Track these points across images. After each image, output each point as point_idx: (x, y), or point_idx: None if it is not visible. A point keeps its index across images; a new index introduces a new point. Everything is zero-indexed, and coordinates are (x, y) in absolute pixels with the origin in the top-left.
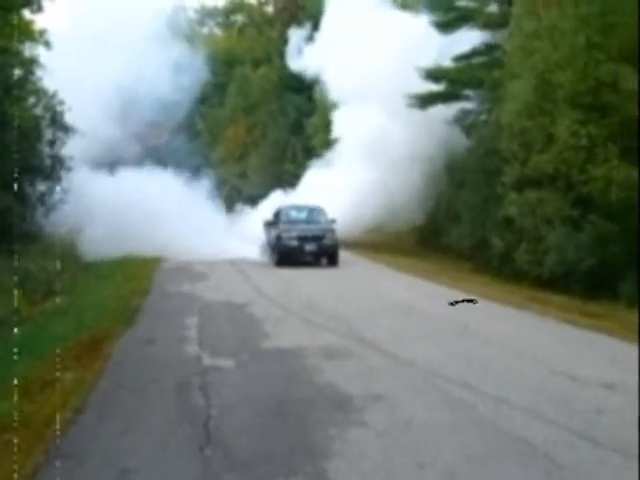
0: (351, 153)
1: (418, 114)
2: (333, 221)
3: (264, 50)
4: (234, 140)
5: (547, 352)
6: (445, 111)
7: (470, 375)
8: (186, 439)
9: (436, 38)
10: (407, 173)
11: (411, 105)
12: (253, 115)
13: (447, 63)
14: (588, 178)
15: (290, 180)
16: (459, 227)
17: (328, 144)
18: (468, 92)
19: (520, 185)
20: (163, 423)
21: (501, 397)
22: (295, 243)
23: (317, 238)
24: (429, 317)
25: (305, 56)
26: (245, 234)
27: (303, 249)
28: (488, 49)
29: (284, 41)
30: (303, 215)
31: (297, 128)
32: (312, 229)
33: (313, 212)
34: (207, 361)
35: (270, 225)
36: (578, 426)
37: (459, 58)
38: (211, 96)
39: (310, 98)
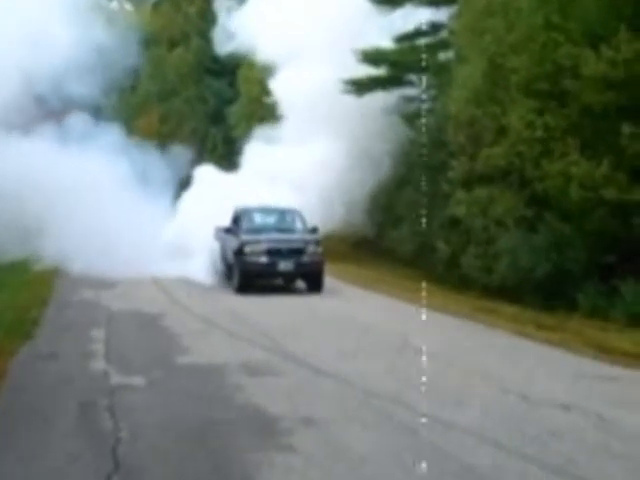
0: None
1: (354, 101)
2: (315, 229)
3: (181, 28)
4: (147, 130)
5: (496, 368)
6: (385, 98)
7: (411, 394)
8: (91, 467)
9: (375, 16)
10: (342, 168)
11: (346, 91)
12: (168, 102)
13: (387, 44)
14: (544, 174)
15: None
16: (400, 229)
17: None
18: (411, 77)
19: (468, 182)
20: (65, 449)
21: (446, 419)
22: (264, 260)
23: (295, 252)
24: (365, 330)
25: (234, 23)
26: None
27: (275, 268)
28: (433, 29)
29: (203, 18)
30: (272, 220)
31: (217, 117)
32: (288, 240)
33: (286, 216)
34: (116, 378)
35: (226, 234)
36: (530, 451)
37: (401, 39)
38: (121, 80)
39: (232, 84)
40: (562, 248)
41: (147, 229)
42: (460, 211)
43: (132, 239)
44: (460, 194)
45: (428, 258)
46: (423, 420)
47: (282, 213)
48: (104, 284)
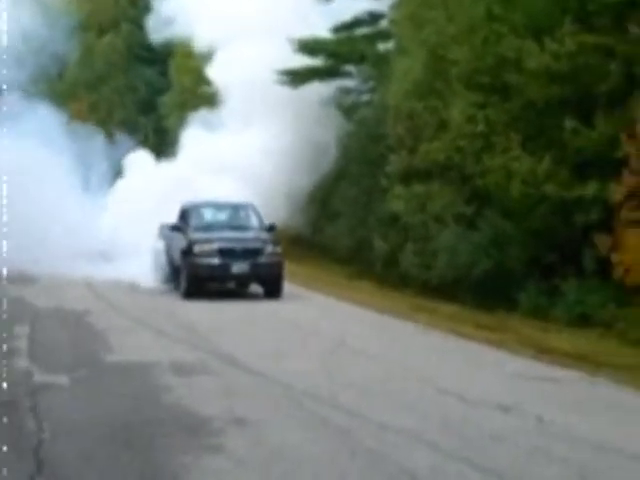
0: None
1: (292, 92)
2: (272, 227)
3: (111, 14)
4: (77, 119)
5: (435, 369)
6: (322, 89)
7: (346, 395)
8: (13, 469)
9: (312, 5)
10: (281, 159)
11: (281, 82)
12: (97, 91)
13: (324, 34)
14: (485, 170)
15: None
16: (337, 225)
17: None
18: (349, 68)
19: (407, 176)
20: None
21: (382, 421)
22: (216, 261)
23: (250, 253)
24: (300, 330)
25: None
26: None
27: (228, 270)
28: (373, 19)
29: (134, 4)
30: (224, 216)
31: (148, 107)
32: (242, 239)
33: (239, 211)
34: (39, 377)
35: (173, 232)
36: (469, 454)
37: (339, 28)
38: (49, 68)
39: (164, 73)
40: (502, 246)
41: (83, 222)
42: (398, 207)
43: (65, 233)
44: (398, 189)
45: (366, 255)
46: (359, 422)
47: (235, 208)
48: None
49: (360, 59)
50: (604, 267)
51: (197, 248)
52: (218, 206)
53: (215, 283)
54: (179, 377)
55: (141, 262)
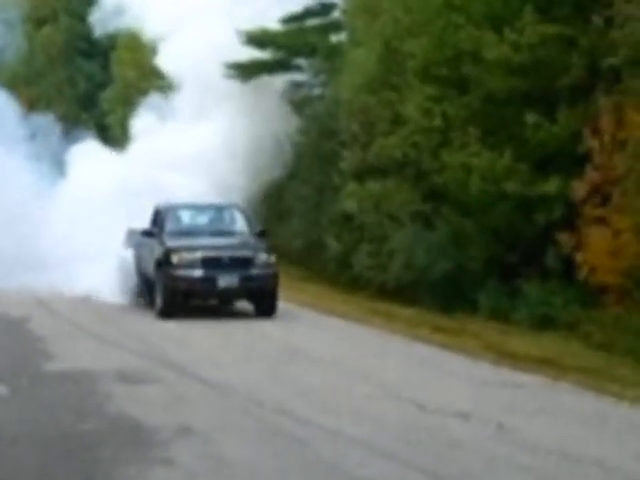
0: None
1: (238, 87)
2: (263, 232)
3: (50, 6)
4: None
5: (391, 375)
6: (272, 83)
7: (298, 403)
8: None
9: None
10: (230, 154)
11: (230, 76)
12: (36, 86)
13: (274, 25)
14: (443, 166)
15: None
16: (289, 224)
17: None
18: (300, 61)
19: (361, 174)
20: None
21: (336, 430)
22: (198, 273)
23: (239, 263)
24: (251, 335)
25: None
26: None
27: (214, 284)
28: (324, 9)
29: None
30: (206, 219)
31: (89, 102)
32: (229, 246)
33: (224, 214)
34: None
35: (144, 238)
36: (426, 463)
37: (289, 20)
38: None
39: (105, 67)
40: (461, 245)
41: (35, 228)
42: (352, 205)
43: (15, 242)
44: (352, 187)
45: (319, 256)
46: (312, 431)
47: (219, 210)
48: None
49: (311, 51)
50: (567, 267)
51: (175, 258)
52: (199, 207)
53: (198, 300)
54: (124, 386)
55: (98, 271)
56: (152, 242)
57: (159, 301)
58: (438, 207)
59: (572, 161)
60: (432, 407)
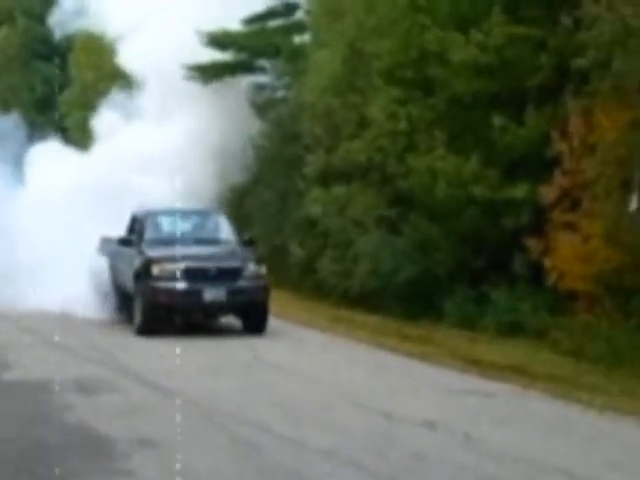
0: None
1: (200, 88)
2: (251, 241)
3: (6, 7)
4: None
5: (356, 385)
6: (234, 85)
7: (262, 413)
8: None
9: None
10: (194, 157)
11: (190, 78)
12: None
13: (235, 26)
14: (408, 170)
15: None
16: (252, 231)
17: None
18: (262, 62)
19: (325, 178)
20: None
21: (300, 440)
22: (182, 286)
23: (227, 275)
24: (212, 344)
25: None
26: None
27: (199, 298)
28: (287, 10)
29: None
30: (188, 226)
31: (46, 105)
32: (215, 256)
33: (207, 220)
34: None
35: (120, 247)
36: (392, 473)
37: (251, 20)
38: None
39: (63, 69)
40: (427, 251)
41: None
42: (316, 210)
43: None
44: (316, 192)
45: (282, 262)
46: (276, 441)
47: (202, 216)
48: None
49: (274, 53)
50: (536, 272)
51: (156, 269)
52: (180, 214)
53: (181, 315)
54: (82, 396)
55: (68, 283)
56: (130, 251)
57: (138, 316)
58: (404, 212)
59: (541, 165)
60: (398, 416)
